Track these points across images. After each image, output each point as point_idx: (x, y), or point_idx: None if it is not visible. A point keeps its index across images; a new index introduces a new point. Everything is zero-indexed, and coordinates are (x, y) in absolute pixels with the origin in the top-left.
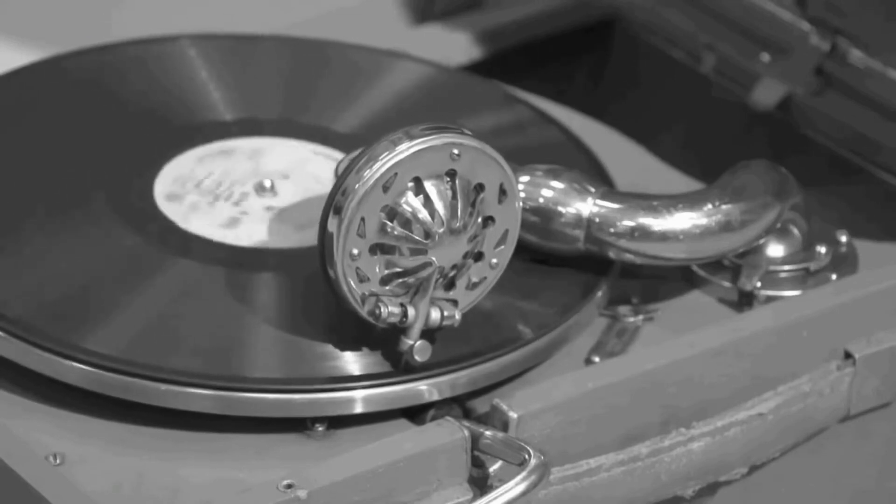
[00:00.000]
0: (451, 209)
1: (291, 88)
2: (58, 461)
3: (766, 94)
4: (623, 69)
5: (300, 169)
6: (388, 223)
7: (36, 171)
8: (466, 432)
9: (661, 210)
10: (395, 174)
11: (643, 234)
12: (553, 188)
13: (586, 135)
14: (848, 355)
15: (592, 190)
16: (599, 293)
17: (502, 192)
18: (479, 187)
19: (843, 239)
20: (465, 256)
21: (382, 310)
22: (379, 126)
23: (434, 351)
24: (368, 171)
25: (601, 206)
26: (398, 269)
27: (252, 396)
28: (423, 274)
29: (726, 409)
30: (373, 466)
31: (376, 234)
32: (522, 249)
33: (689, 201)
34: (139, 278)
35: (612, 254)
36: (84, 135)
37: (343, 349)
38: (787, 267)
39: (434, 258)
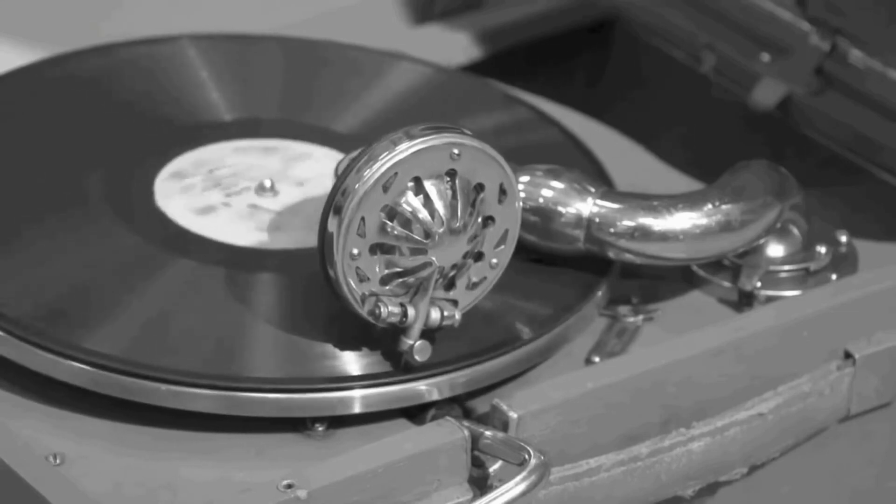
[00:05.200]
0: (451, 209)
1: (291, 88)
2: (58, 461)
3: (766, 94)
4: (623, 69)
5: (301, 169)
6: (388, 223)
7: (36, 170)
8: (466, 432)
9: (661, 210)
10: (395, 174)
11: (643, 234)
12: (553, 188)
13: (586, 135)
14: (848, 355)
15: (592, 190)
16: (599, 293)
17: (502, 191)
18: (479, 187)
19: (843, 239)
20: (465, 256)
21: (382, 310)
22: (379, 126)
23: (434, 351)
24: (368, 170)
25: (601, 206)
26: (398, 269)
27: (252, 396)
28: (423, 274)
29: (726, 409)
30: (373, 466)
31: (376, 233)
32: (522, 249)
33: (689, 201)
34: (139, 278)
35: (612, 254)
36: (84, 135)
37: (343, 349)
38: (787, 267)
39: (434, 258)
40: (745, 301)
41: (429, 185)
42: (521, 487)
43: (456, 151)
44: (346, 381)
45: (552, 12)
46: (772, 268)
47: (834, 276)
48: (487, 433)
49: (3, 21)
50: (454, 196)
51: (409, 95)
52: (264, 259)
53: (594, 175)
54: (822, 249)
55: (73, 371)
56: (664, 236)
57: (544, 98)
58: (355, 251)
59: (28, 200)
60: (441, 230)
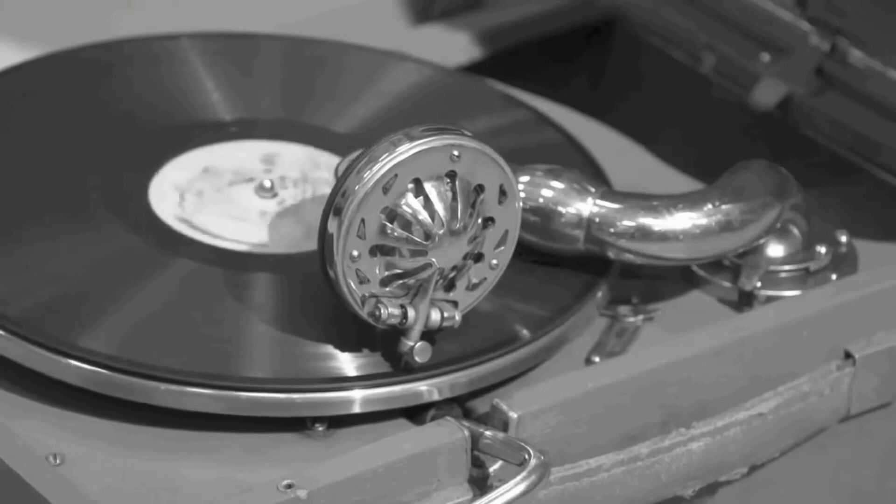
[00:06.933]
0: (451, 210)
1: (291, 88)
2: (58, 461)
3: (766, 94)
4: (623, 69)
5: (301, 169)
6: (388, 225)
7: (34, 169)
8: (466, 432)
9: (661, 210)
10: (395, 175)
11: (643, 234)
12: (553, 188)
13: (586, 135)
14: (848, 355)
15: (592, 190)
16: (599, 293)
17: (502, 192)
18: (479, 188)
19: (843, 239)
20: (465, 257)
21: (382, 311)
22: (379, 126)
23: (434, 351)
24: (368, 172)
25: (601, 206)
26: (398, 271)
27: (252, 396)
28: (424, 275)
29: (726, 409)
30: (373, 466)
31: (376, 235)
32: (522, 249)
33: (689, 201)
34: (139, 278)
35: (612, 254)
36: (83, 134)
37: (343, 349)
38: (787, 267)
39: (434, 259)
40: (745, 301)
41: (429, 187)
42: (521, 487)
43: (456, 153)
44: (347, 382)
45: (552, 12)
46: (772, 268)
47: (834, 276)
48: (487, 433)
49: (2, 21)
50: (454, 197)
51: (409, 95)
52: (265, 259)
53: (592, 175)
54: (822, 249)
55: (73, 371)
56: (664, 236)
57: (544, 98)
58: (355, 253)
59: (27, 200)
60: (441, 232)
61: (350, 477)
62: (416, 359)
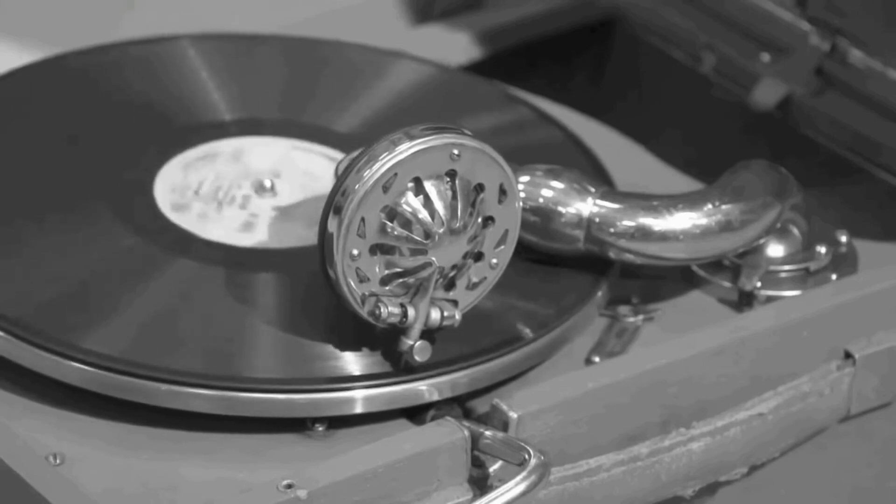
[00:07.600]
0: (451, 209)
1: (291, 88)
2: (58, 461)
3: (766, 94)
4: (623, 69)
5: (298, 168)
6: (388, 223)
7: (36, 170)
8: (466, 432)
9: (661, 210)
10: (395, 174)
11: (643, 234)
12: (553, 188)
13: (586, 135)
14: (848, 355)
15: (592, 190)
16: (599, 293)
17: (502, 192)
18: (479, 187)
19: (843, 239)
20: (465, 256)
21: (382, 310)
22: (379, 125)
23: (434, 351)
24: (368, 171)
25: (601, 206)
26: (398, 270)
27: (252, 396)
28: (423, 274)
29: (726, 409)
30: (373, 466)
31: (376, 234)
32: (522, 249)
33: (689, 201)
34: (139, 278)
35: (612, 254)
36: (84, 135)
37: (343, 349)
38: (787, 267)
39: (434, 258)
40: (745, 301)
41: (429, 186)
42: (521, 487)
43: (456, 152)
44: (347, 382)
45: (552, 12)
46: (772, 268)
47: (834, 276)
48: (487, 433)
49: (2, 21)
50: (454, 196)
51: (409, 94)
52: (264, 259)
53: (594, 175)
54: (822, 249)
55: (73, 371)
56: (664, 236)
57: (544, 98)
58: (355, 252)
59: (28, 200)
60: (441, 231)
61: (350, 477)
62: (416, 358)
